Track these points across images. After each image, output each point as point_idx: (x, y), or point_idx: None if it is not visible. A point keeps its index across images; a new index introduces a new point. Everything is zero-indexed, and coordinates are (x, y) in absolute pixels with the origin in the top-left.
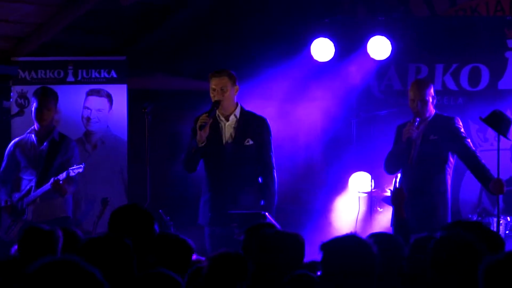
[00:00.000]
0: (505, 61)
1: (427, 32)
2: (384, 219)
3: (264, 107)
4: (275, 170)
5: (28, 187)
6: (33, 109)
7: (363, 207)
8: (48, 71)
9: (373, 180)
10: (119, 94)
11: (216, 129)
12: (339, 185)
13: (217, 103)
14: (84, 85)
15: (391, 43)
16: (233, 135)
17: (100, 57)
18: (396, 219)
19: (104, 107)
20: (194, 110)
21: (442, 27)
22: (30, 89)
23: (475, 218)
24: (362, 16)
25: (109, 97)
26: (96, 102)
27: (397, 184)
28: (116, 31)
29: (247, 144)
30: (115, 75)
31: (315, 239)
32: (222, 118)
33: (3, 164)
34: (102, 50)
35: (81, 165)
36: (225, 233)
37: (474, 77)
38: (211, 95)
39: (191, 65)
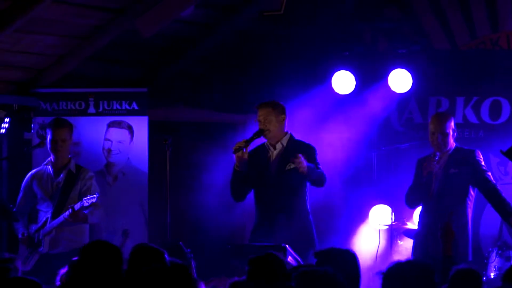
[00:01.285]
0: None
1: (447, 65)
2: (404, 252)
3: None
4: (324, 173)
5: (43, 219)
6: (47, 141)
7: (383, 240)
8: (69, 102)
9: (393, 213)
10: (140, 125)
11: (264, 158)
12: (360, 218)
13: (260, 132)
14: (105, 116)
15: (412, 76)
16: (278, 162)
17: (121, 88)
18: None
19: (125, 138)
20: (216, 141)
21: (462, 60)
22: None
23: (495, 251)
24: (383, 49)
25: (130, 129)
26: (117, 134)
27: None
28: (137, 62)
29: (289, 168)
30: (136, 107)
31: None
32: (270, 147)
33: (20, 196)
34: (124, 81)
35: (94, 195)
36: (244, 265)
37: (495, 110)
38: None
39: (212, 97)
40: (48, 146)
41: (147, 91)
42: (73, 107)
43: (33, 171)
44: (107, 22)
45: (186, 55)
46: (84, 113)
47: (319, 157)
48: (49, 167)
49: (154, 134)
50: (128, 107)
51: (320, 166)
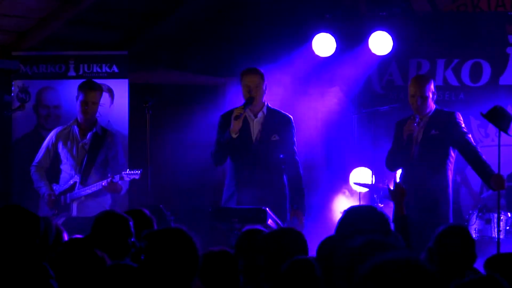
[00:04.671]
0: (506, 57)
1: (428, 27)
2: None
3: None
4: (300, 166)
5: (71, 182)
6: (78, 101)
7: (363, 203)
8: (49, 65)
9: (374, 176)
10: (121, 88)
11: (245, 125)
12: (340, 181)
13: (251, 99)
14: (85, 79)
15: (392, 39)
16: (260, 130)
17: (101, 51)
18: (396, 216)
19: (105, 101)
20: (196, 104)
21: (443, 23)
22: (31, 84)
23: (475, 214)
24: (363, 11)
25: (110, 92)
26: None
27: (397, 180)
28: (118, 25)
29: (274, 139)
30: (116, 70)
31: (315, 234)
32: (251, 115)
33: (43, 152)
34: (105, 44)
35: (138, 172)
36: (225, 228)
37: (476, 73)
38: (244, 91)
39: (193, 60)
40: (78, 107)
41: (127, 54)
42: (53, 70)
43: (58, 129)
44: None
45: (167, 18)
46: (64, 76)
47: (299, 123)
48: (75, 127)
49: (135, 97)
50: (108, 70)
51: (295, 147)
